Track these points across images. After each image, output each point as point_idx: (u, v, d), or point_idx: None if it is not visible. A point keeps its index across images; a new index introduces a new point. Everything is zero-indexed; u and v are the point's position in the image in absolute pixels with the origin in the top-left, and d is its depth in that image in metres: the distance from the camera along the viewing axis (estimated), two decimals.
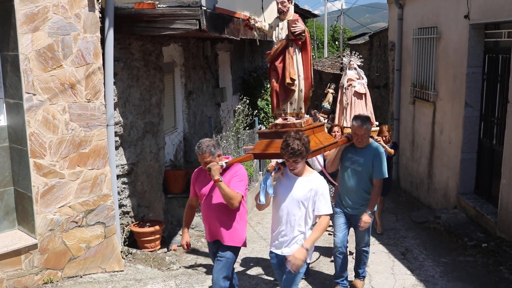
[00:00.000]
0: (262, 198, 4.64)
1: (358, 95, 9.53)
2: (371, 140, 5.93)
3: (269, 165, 4.87)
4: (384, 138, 8.35)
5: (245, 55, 14.26)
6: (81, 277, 6.31)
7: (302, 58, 5.57)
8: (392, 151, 8.45)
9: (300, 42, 5.54)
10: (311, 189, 4.57)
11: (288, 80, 5.46)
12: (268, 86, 13.70)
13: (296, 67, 5.51)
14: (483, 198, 8.64)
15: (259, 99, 13.46)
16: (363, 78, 9.64)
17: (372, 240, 8.24)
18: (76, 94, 6.02)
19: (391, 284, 6.56)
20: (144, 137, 7.81)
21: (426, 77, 10.65)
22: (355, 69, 9.71)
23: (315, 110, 17.50)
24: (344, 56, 10.27)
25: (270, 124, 5.76)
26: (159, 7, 6.60)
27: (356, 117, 5.82)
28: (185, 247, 5.35)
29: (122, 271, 6.56)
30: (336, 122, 9.81)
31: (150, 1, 6.64)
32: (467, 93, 8.72)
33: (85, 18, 6.02)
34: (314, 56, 42.82)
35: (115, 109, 6.79)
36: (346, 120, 9.58)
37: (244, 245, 5.18)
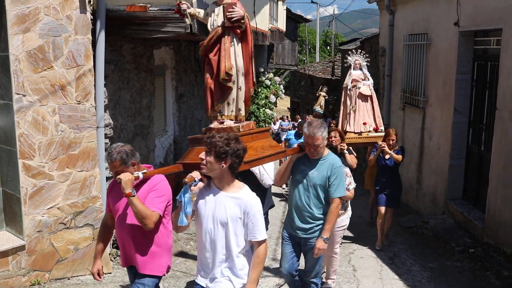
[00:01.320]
0: (185, 219, 3.76)
1: (363, 97, 9.08)
2: (327, 151, 5.10)
3: (188, 176, 3.76)
4: (391, 143, 8.01)
5: None
6: (68, 279, 6.30)
7: (242, 50, 4.76)
8: (399, 157, 7.98)
9: (239, 31, 4.75)
10: (240, 209, 3.70)
11: (223, 75, 4.64)
12: (260, 90, 13.75)
13: (234, 60, 4.70)
14: (470, 204, 8.70)
15: None
16: (369, 79, 9.17)
17: (361, 244, 8.29)
18: (67, 96, 6.02)
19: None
20: (134, 139, 7.81)
21: (416, 83, 10.72)
22: (361, 69, 9.22)
23: (309, 116, 17.44)
24: (348, 54, 9.65)
25: (203, 128, 4.88)
26: (150, 10, 6.61)
27: (309, 123, 4.88)
28: (96, 276, 4.49)
29: (110, 273, 6.54)
30: (340, 126, 9.37)
31: (141, 4, 6.65)
32: (456, 100, 8.79)
33: (77, 20, 6.02)
34: (305, 61, 43.00)
35: (105, 111, 6.79)
36: (349, 124, 9.15)
37: (167, 271, 4.40)
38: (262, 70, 14.93)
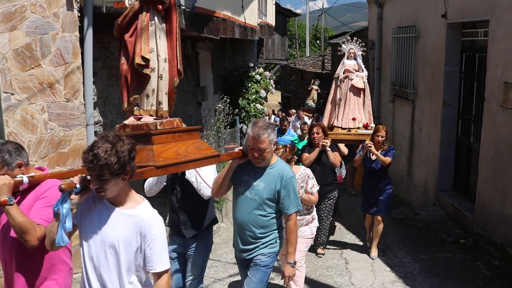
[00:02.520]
0: (65, 236, 2.90)
1: (355, 90, 8.41)
2: (276, 157, 4.34)
3: (66, 182, 2.91)
4: (379, 139, 7.12)
5: (226, 54, 14.27)
6: None
7: (165, 32, 3.89)
8: (386, 159, 7.03)
9: (160, 7, 3.85)
10: (136, 230, 2.95)
11: (138, 60, 3.68)
12: (250, 85, 13.74)
13: (154, 43, 3.78)
14: (460, 195, 8.76)
15: (240, 98, 13.48)
16: (363, 71, 8.53)
17: (353, 237, 8.33)
18: (55, 94, 6.00)
19: (370, 280, 6.63)
20: None
21: (405, 76, 10.75)
22: (355, 59, 8.55)
23: (299, 110, 17.33)
24: (343, 42, 8.92)
25: (117, 126, 4.01)
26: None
27: (254, 123, 4.13)
28: None
29: None
30: (326, 120, 8.68)
31: None
32: (445, 92, 8.83)
33: (64, 17, 6.00)
34: (295, 55, 43.02)
35: (94, 109, 6.77)
36: (337, 119, 8.51)
37: None
38: (252, 65, 14.92)
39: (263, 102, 14.64)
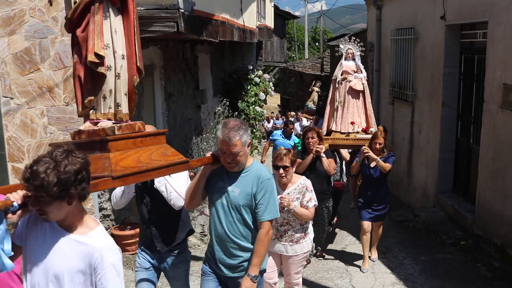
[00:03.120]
0: (7, 260, 2.44)
1: (354, 92, 7.95)
2: (252, 159, 3.91)
3: (1, 200, 2.46)
4: (377, 147, 6.79)
5: (225, 57, 14.28)
6: None
7: (123, 26, 3.39)
8: (386, 165, 6.74)
9: None
10: (86, 261, 2.55)
11: (91, 57, 3.21)
12: (249, 87, 13.75)
13: (110, 38, 3.28)
14: (461, 197, 8.76)
15: (240, 101, 13.49)
16: (362, 72, 8.05)
17: (353, 239, 8.32)
18: (54, 98, 6.00)
19: (371, 282, 6.62)
20: None
21: (404, 78, 10.75)
22: (354, 59, 8.10)
23: (298, 112, 17.26)
24: (340, 43, 8.47)
25: (72, 132, 3.54)
26: (136, 9, 6.59)
27: (225, 124, 3.70)
28: None
29: None
30: (325, 125, 8.25)
31: None
32: (444, 93, 8.83)
33: (63, 21, 5.98)
34: (294, 58, 43.05)
35: None
36: (336, 123, 8.03)
37: None
38: (251, 67, 14.94)
39: (262, 105, 14.66)
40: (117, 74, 3.34)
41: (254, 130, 14.29)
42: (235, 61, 15.43)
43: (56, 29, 5.94)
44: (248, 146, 3.76)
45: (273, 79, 20.45)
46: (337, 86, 8.00)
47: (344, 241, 8.31)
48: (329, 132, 8.12)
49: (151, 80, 9.32)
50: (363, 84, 7.96)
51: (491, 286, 6.31)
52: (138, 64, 3.43)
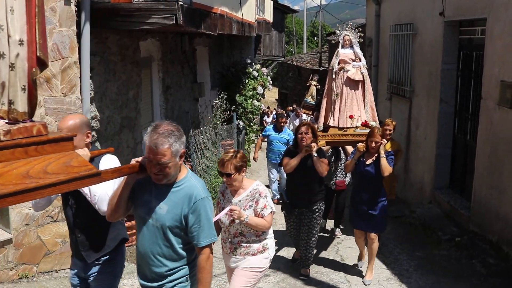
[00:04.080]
0: None
1: (352, 83, 7.22)
2: (185, 171, 3.34)
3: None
4: (373, 145, 6.12)
5: (224, 50, 14.26)
6: (56, 272, 6.28)
7: (25, 3, 2.71)
8: (390, 168, 6.08)
9: None
10: None
11: None
12: (247, 81, 13.73)
13: (4, 18, 2.62)
14: (457, 193, 8.78)
15: (237, 94, 13.48)
16: (360, 60, 7.35)
17: (348, 235, 8.34)
18: (52, 88, 5.98)
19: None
20: (121, 131, 7.78)
21: (402, 73, 10.76)
22: (352, 47, 7.42)
23: (298, 107, 17.18)
24: (338, 30, 7.76)
25: None
26: (135, 1, 6.58)
27: (154, 128, 3.17)
28: None
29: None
30: (321, 120, 7.55)
31: None
32: (442, 89, 8.83)
33: (61, 12, 5.97)
34: (293, 52, 42.99)
35: (91, 104, 6.75)
36: (333, 117, 7.33)
37: None
38: (250, 61, 14.92)
39: (260, 99, 14.66)
40: (11, 64, 2.68)
41: (252, 124, 14.28)
42: (234, 54, 15.41)
43: (54, 19, 5.91)
44: (181, 157, 3.23)
45: (271, 73, 20.45)
46: (334, 76, 7.34)
47: (339, 235, 8.30)
48: (327, 127, 7.45)
49: (149, 72, 9.31)
50: (362, 73, 7.27)
51: (486, 283, 6.34)
52: (39, 54, 2.75)
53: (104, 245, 3.83)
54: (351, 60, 7.30)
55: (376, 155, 6.17)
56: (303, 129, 6.18)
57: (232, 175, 4.34)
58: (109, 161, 3.74)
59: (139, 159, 3.22)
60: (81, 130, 3.69)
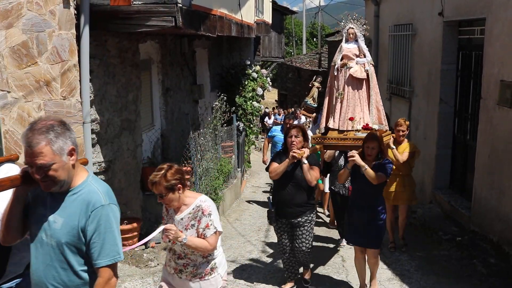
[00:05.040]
0: None
1: (355, 81, 6.57)
2: (85, 175, 2.83)
3: None
4: (370, 153, 5.55)
5: (223, 52, 14.26)
6: None
7: None
8: (375, 175, 5.41)
9: None
10: None
11: None
12: (247, 82, 13.74)
13: None
14: (457, 193, 8.78)
15: (237, 96, 13.48)
16: (365, 56, 6.69)
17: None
18: (52, 92, 5.98)
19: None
20: (121, 134, 7.78)
21: (402, 74, 10.77)
22: (356, 41, 6.74)
23: (297, 109, 17.12)
24: (341, 22, 7.09)
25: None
26: (134, 4, 6.58)
27: (31, 126, 2.65)
28: None
29: None
30: (323, 122, 6.89)
31: None
32: (441, 90, 8.85)
33: (60, 15, 5.98)
34: (292, 53, 43.03)
35: (91, 106, 6.75)
36: (334, 119, 6.66)
37: None
38: (249, 62, 14.92)
39: (260, 100, 14.65)
40: None
41: (252, 125, 14.29)
42: (233, 56, 15.40)
43: (53, 22, 5.91)
44: (70, 155, 2.68)
45: (270, 75, 20.45)
46: (336, 74, 6.71)
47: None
48: (327, 130, 6.90)
49: (149, 74, 9.31)
50: (366, 70, 6.59)
51: (486, 283, 6.34)
52: None
53: (4, 270, 3.27)
54: (355, 56, 6.69)
55: (374, 163, 5.60)
56: (293, 132, 5.63)
57: (165, 196, 3.86)
58: (6, 172, 3.14)
59: (24, 168, 2.70)
60: None
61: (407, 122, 7.17)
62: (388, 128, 6.91)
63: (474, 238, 7.41)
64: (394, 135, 7.00)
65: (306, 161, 5.55)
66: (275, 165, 5.76)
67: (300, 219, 5.81)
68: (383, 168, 5.53)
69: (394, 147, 6.18)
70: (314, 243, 6.63)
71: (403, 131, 6.99)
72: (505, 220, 6.81)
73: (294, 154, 5.47)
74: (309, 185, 5.68)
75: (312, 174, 5.58)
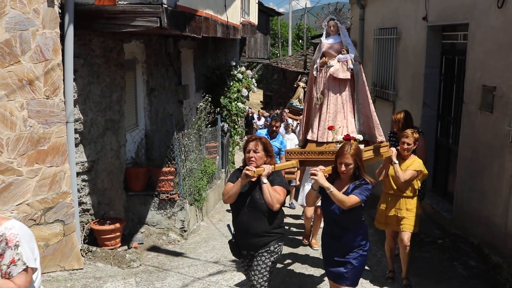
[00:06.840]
0: None
1: (337, 82, 5.60)
2: None
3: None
4: (344, 170, 4.42)
5: (208, 52, 14.25)
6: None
7: None
8: (346, 199, 4.35)
9: None
10: None
11: None
12: (232, 83, 13.75)
13: None
14: (439, 196, 8.86)
15: (222, 97, 13.47)
16: (348, 52, 5.74)
17: None
18: (35, 91, 5.94)
19: None
20: (105, 134, 7.74)
21: (386, 77, 10.84)
22: (339, 35, 5.81)
23: (282, 110, 17.15)
24: (321, 13, 6.14)
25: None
26: (119, 3, 6.55)
27: None
28: None
29: (82, 269, 6.50)
30: (302, 133, 6.15)
31: None
32: (425, 93, 8.93)
33: (44, 14, 5.94)
34: (278, 54, 43.08)
35: (75, 106, 6.72)
36: (312, 129, 5.76)
37: None
38: (234, 63, 14.93)
39: (245, 101, 14.66)
40: None
41: (236, 126, 14.29)
42: (218, 56, 15.40)
43: (37, 21, 5.88)
44: None
45: (256, 76, 20.44)
46: (316, 74, 5.80)
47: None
48: (304, 142, 6.11)
49: (133, 74, 9.28)
50: (350, 69, 5.65)
51: (467, 285, 6.40)
52: None
53: None
54: (337, 52, 5.76)
55: (350, 184, 4.54)
56: (250, 145, 4.54)
57: None
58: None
59: None
60: None
61: (416, 135, 5.82)
62: (383, 139, 6.03)
63: (455, 241, 7.48)
64: (398, 147, 5.94)
65: (266, 180, 4.46)
66: (229, 185, 4.64)
67: (261, 250, 4.61)
68: (356, 192, 4.44)
69: (397, 162, 5.36)
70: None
71: (408, 145, 5.72)
72: (486, 223, 6.88)
73: (247, 172, 4.40)
74: (271, 210, 4.51)
75: (274, 196, 4.44)
